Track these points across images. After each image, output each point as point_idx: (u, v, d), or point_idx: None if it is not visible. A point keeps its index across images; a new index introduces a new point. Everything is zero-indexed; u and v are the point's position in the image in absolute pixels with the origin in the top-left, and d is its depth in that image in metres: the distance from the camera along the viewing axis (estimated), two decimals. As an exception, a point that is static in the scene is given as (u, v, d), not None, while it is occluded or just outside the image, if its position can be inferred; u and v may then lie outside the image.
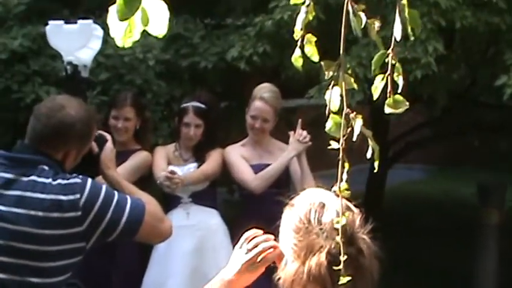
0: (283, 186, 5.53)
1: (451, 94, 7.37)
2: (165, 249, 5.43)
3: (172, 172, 5.42)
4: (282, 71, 6.50)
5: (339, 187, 1.88)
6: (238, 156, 5.63)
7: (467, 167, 12.74)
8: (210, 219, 5.71)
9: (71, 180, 3.11)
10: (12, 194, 3.08)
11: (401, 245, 8.86)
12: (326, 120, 1.81)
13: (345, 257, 1.95)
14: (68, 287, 3.20)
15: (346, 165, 1.82)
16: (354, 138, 1.78)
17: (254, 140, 5.66)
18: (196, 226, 5.64)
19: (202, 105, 5.64)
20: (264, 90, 5.55)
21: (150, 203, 3.34)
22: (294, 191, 5.49)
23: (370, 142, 1.82)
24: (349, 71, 1.83)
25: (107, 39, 6.67)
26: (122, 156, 5.04)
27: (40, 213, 3.04)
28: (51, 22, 5.42)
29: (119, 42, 1.62)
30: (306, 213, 2.13)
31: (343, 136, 1.79)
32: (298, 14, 1.81)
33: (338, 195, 1.92)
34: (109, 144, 3.65)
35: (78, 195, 3.07)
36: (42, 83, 6.31)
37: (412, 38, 1.75)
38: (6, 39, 6.38)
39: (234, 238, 5.71)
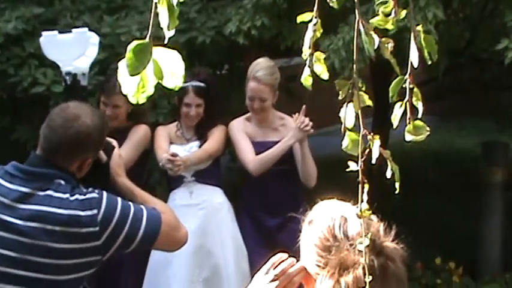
0: (286, 163, 5.51)
1: (451, 52, 7.28)
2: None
3: (174, 155, 5.39)
4: (281, 42, 6.41)
5: (360, 209, 1.84)
6: (242, 134, 5.59)
7: (469, 118, 12.69)
8: (214, 198, 5.69)
9: (88, 196, 3.10)
10: (29, 208, 3.05)
11: (405, 201, 8.86)
12: (342, 139, 1.77)
13: (376, 267, 2.03)
14: None
15: (366, 186, 1.77)
16: (373, 161, 1.73)
17: (257, 119, 5.61)
18: (200, 205, 5.63)
19: (202, 84, 5.58)
20: (258, 68, 5.45)
21: (165, 212, 3.33)
22: (297, 169, 5.43)
23: (389, 164, 1.77)
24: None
25: (103, 16, 6.61)
26: (118, 135, 4.88)
27: (57, 228, 3.02)
28: (44, 33, 5.35)
29: (132, 99, 1.53)
30: (330, 228, 2.12)
31: (362, 158, 1.74)
32: None
33: (360, 217, 1.88)
34: (116, 151, 3.60)
35: (95, 211, 3.06)
36: (38, 65, 6.25)
37: (429, 63, 1.71)
38: (0, 23, 6.30)
39: (238, 213, 5.71)
